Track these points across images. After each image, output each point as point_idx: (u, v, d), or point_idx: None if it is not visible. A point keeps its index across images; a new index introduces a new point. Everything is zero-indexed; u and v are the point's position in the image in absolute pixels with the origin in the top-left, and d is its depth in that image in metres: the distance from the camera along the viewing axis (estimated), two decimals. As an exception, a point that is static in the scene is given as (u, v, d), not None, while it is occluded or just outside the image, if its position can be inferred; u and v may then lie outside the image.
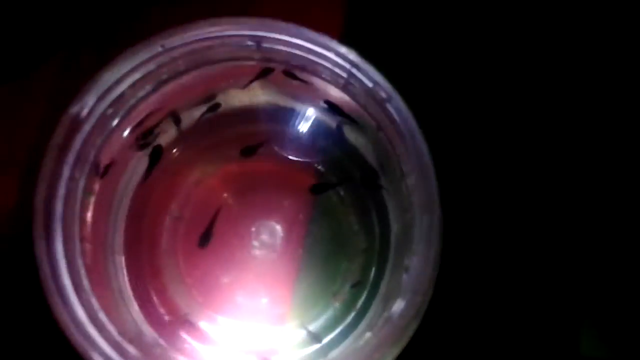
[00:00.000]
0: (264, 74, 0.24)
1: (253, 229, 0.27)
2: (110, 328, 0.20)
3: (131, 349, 0.19)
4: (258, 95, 0.27)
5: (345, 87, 0.21)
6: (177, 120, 0.25)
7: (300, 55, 0.20)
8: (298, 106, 0.27)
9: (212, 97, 0.25)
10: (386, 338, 0.18)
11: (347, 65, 0.19)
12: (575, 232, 0.29)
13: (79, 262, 0.19)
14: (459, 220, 0.27)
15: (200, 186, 0.28)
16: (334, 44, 0.19)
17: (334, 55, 0.19)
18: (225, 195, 0.28)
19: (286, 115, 0.27)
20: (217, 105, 0.25)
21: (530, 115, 0.29)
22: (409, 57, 0.29)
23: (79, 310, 0.18)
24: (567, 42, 0.30)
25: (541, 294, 0.28)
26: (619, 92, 0.29)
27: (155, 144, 0.25)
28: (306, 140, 0.27)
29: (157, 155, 0.25)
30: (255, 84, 0.26)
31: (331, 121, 0.27)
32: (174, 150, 0.27)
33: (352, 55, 0.19)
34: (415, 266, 0.19)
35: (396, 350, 0.19)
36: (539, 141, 0.29)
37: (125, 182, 0.26)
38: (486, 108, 0.29)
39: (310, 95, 0.25)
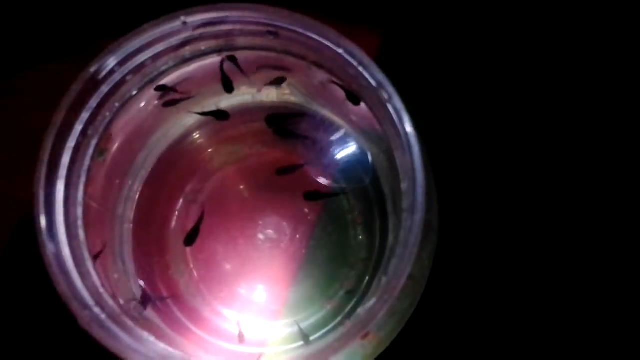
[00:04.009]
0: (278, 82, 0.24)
1: (260, 222, 0.28)
2: (96, 281, 0.20)
3: (111, 303, 0.20)
4: (286, 95, 0.28)
5: (354, 89, 0.22)
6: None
7: (314, 49, 0.21)
8: (320, 111, 0.28)
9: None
10: (353, 329, 0.18)
11: (355, 63, 0.19)
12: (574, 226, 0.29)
13: (78, 212, 0.20)
14: (456, 220, 0.27)
15: (218, 174, 0.29)
16: (344, 41, 0.19)
17: (343, 52, 0.19)
18: (241, 187, 0.29)
19: (309, 120, 0.28)
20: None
21: (528, 116, 0.30)
22: (434, 86, 0.30)
23: (66, 250, 0.19)
24: (567, 43, 0.30)
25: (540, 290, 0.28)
26: (619, 92, 0.29)
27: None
28: (325, 147, 0.28)
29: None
30: (283, 83, 0.27)
31: (349, 129, 0.27)
32: (196, 134, 0.28)
33: (359, 53, 0.19)
34: (392, 268, 0.19)
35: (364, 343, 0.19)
36: (537, 140, 0.30)
37: (145, 154, 0.27)
38: (486, 111, 0.30)
39: (328, 100, 0.26)
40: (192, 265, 0.28)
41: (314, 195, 0.27)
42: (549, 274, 0.29)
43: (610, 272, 0.29)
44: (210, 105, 0.27)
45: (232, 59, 0.23)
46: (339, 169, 0.28)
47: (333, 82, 0.23)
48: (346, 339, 0.18)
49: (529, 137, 0.30)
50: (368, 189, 0.28)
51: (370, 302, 0.19)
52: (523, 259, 0.29)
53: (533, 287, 0.29)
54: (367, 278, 0.27)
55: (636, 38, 0.30)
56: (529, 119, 0.30)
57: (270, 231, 0.28)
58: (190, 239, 0.27)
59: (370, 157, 0.26)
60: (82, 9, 0.29)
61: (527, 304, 0.28)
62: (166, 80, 0.24)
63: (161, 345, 0.20)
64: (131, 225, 0.27)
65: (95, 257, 0.22)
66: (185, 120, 0.28)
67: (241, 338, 0.25)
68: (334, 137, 0.28)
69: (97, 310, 0.19)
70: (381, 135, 0.22)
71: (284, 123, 0.27)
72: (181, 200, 0.29)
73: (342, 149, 0.28)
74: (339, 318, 0.26)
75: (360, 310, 0.19)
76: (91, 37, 0.24)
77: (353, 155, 0.27)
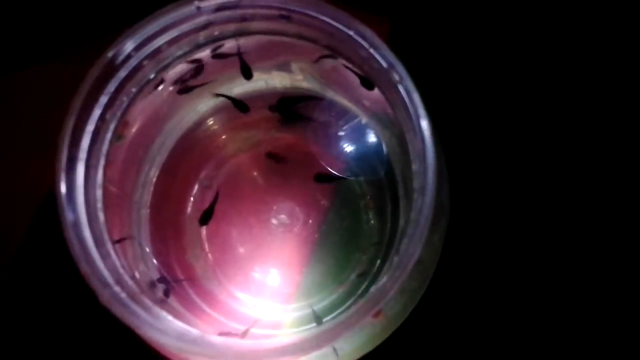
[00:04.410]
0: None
1: (274, 207, 0.28)
2: (116, 262, 0.21)
3: (131, 283, 0.21)
4: (298, 80, 0.28)
5: (365, 72, 0.22)
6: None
7: (326, 32, 0.21)
8: (332, 96, 0.28)
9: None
10: (364, 306, 0.18)
11: (366, 45, 0.20)
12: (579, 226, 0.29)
13: (98, 194, 0.21)
14: (469, 205, 0.28)
15: (232, 160, 0.29)
16: (355, 23, 0.20)
17: (354, 33, 0.20)
18: (254, 173, 0.29)
19: (322, 104, 0.28)
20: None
21: (537, 115, 0.30)
22: (443, 71, 0.30)
23: (87, 232, 0.19)
24: (574, 44, 0.30)
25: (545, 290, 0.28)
26: (622, 93, 0.30)
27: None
28: (338, 132, 0.28)
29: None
30: (295, 68, 0.27)
31: (361, 113, 0.28)
32: (210, 120, 0.29)
33: (370, 35, 0.19)
34: (406, 247, 0.19)
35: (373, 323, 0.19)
36: (547, 124, 0.30)
37: (161, 140, 0.28)
38: (498, 97, 0.30)
39: (341, 86, 0.26)
40: (207, 250, 0.28)
41: (325, 177, 0.27)
42: (562, 262, 0.29)
43: (616, 258, 0.29)
44: (225, 91, 0.28)
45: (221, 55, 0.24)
46: (353, 157, 0.28)
47: (346, 67, 0.23)
48: (358, 316, 0.19)
49: (539, 123, 0.30)
50: (379, 174, 0.28)
51: (382, 281, 0.19)
52: (535, 245, 0.29)
53: (545, 276, 0.29)
54: (378, 261, 0.27)
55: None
56: (538, 104, 0.30)
57: (283, 216, 0.28)
58: (205, 218, 0.27)
59: (385, 149, 0.27)
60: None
61: (538, 292, 0.29)
62: (181, 65, 0.24)
63: (179, 324, 0.20)
64: (148, 210, 0.27)
65: (115, 242, 0.22)
66: (200, 107, 0.28)
67: (244, 335, 0.26)
68: (348, 123, 0.28)
69: (117, 288, 0.19)
70: (393, 119, 0.23)
71: (293, 106, 0.27)
72: (196, 186, 0.29)
73: (357, 137, 0.28)
74: (351, 301, 0.27)
75: (373, 289, 0.19)
76: (108, 26, 0.25)
77: (368, 145, 0.28)
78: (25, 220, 0.29)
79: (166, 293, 0.25)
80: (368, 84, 0.23)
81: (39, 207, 0.29)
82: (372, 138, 0.28)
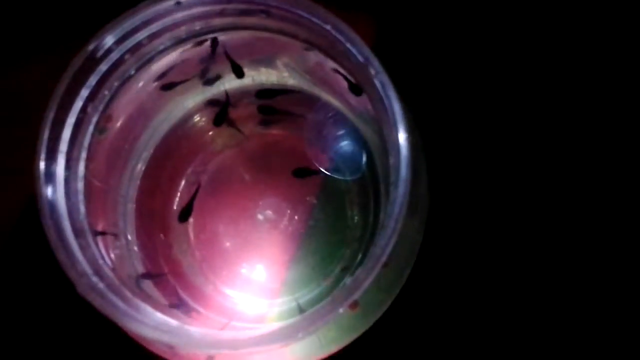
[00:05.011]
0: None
1: (260, 202, 0.29)
2: (96, 254, 0.21)
3: (110, 274, 0.21)
4: (285, 77, 0.28)
5: (345, 67, 0.22)
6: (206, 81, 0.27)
7: (305, 27, 0.21)
8: (317, 92, 0.28)
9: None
10: (340, 296, 0.19)
11: (343, 39, 0.20)
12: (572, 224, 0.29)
13: (79, 186, 0.21)
14: (450, 198, 0.28)
15: (219, 156, 0.30)
16: (331, 18, 0.20)
17: (331, 28, 0.20)
18: (241, 169, 0.30)
19: (308, 101, 0.28)
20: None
21: (521, 110, 0.30)
22: (428, 73, 0.31)
23: (66, 222, 0.19)
24: (567, 42, 0.30)
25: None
26: (618, 92, 0.30)
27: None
28: (322, 128, 0.28)
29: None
30: (280, 64, 0.28)
31: (346, 111, 0.28)
32: (197, 116, 0.29)
33: (347, 30, 0.20)
34: (380, 239, 0.19)
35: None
36: (530, 123, 0.30)
37: (148, 136, 0.28)
38: (477, 106, 0.30)
39: (327, 83, 0.27)
40: (194, 245, 0.29)
41: (303, 172, 0.28)
42: (544, 252, 0.29)
43: (597, 251, 0.29)
44: (210, 87, 0.28)
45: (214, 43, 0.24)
46: (336, 153, 0.28)
47: (336, 70, 0.24)
48: (332, 306, 0.19)
49: (522, 117, 0.30)
50: (364, 171, 0.28)
51: (357, 273, 0.19)
52: (517, 240, 0.29)
53: (526, 267, 0.29)
54: (360, 255, 0.27)
55: (636, 38, 0.30)
56: (522, 99, 0.30)
57: (269, 212, 0.29)
58: (184, 215, 0.28)
59: (367, 145, 0.27)
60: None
61: (519, 284, 0.29)
62: (164, 61, 0.24)
63: (157, 314, 0.20)
64: (134, 205, 0.28)
65: (97, 234, 0.22)
66: (186, 102, 0.28)
67: (224, 327, 0.26)
68: (332, 120, 0.28)
69: (95, 279, 0.19)
70: (373, 115, 0.23)
71: (272, 98, 0.27)
72: (183, 182, 0.29)
73: (340, 133, 0.28)
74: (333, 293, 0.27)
75: (348, 281, 0.19)
76: (91, 23, 0.25)
77: (351, 141, 0.28)
78: (14, 211, 0.30)
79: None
80: (357, 89, 0.24)
81: (25, 207, 0.30)
82: (355, 134, 0.28)
